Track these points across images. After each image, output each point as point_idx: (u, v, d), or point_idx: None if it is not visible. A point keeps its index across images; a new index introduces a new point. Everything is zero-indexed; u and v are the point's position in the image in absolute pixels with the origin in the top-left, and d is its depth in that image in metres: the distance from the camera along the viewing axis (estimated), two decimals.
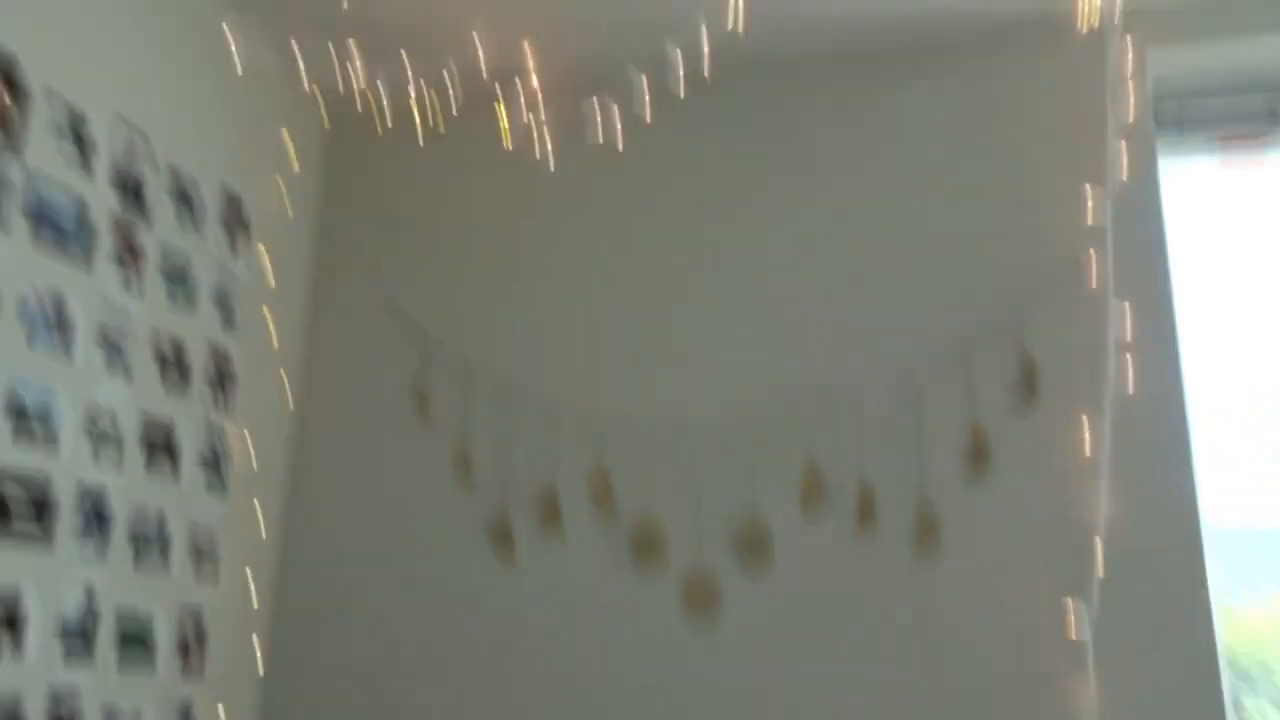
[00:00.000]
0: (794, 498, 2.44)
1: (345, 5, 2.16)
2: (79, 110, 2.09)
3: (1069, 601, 2.21)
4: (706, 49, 1.88)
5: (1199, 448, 2.28)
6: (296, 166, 2.79)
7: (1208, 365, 2.42)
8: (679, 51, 1.90)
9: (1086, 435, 2.29)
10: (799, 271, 2.58)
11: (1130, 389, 2.29)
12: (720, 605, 2.42)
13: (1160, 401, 2.29)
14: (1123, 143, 2.39)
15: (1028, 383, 2.38)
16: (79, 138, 2.09)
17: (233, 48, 2.30)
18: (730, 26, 1.91)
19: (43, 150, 2.01)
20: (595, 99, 2.49)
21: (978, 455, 2.37)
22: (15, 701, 1.87)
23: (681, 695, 2.39)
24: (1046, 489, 2.31)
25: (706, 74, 2.00)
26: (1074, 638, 2.19)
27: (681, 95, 2.10)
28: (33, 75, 1.99)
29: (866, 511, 2.39)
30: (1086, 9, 2.31)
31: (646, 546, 2.49)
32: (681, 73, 1.91)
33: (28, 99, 1.97)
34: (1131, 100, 2.41)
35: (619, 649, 2.45)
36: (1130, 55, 2.43)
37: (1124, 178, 2.39)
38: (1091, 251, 2.38)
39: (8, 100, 1.92)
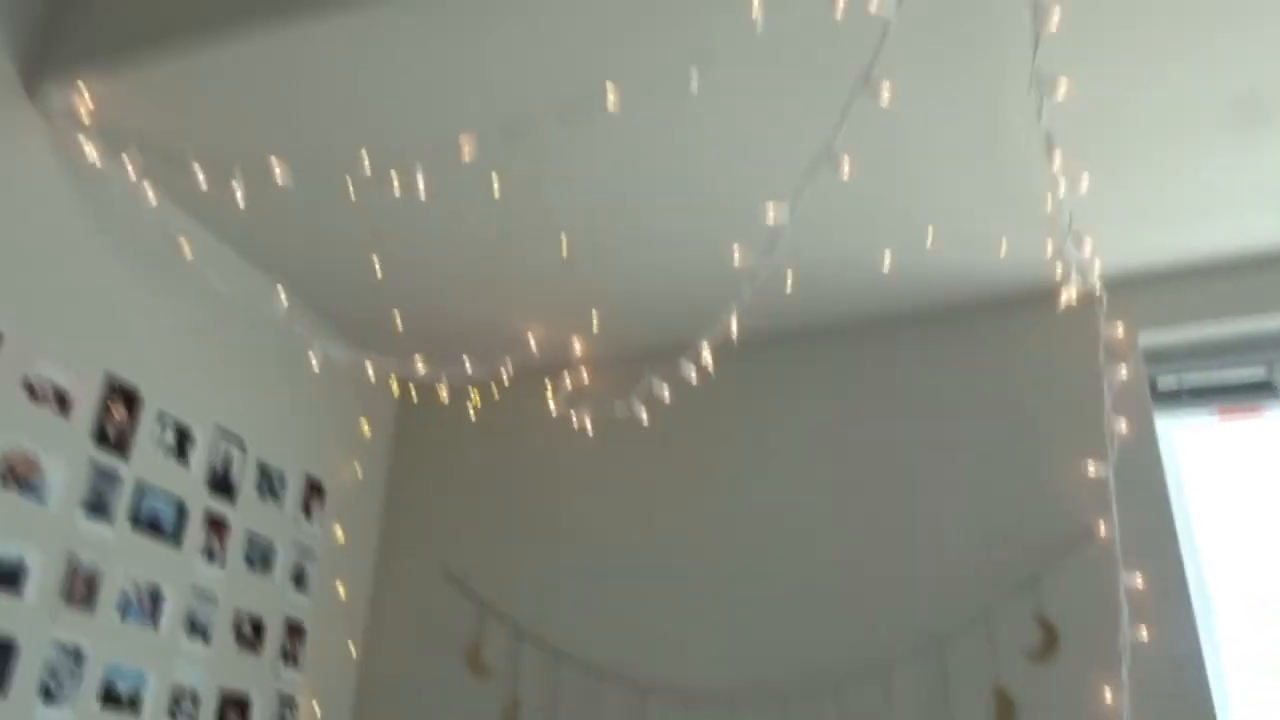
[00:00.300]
0: None
1: (400, 326, 2.53)
2: (185, 426, 2.48)
3: None
4: (735, 327, 2.15)
5: (1218, 692, 2.31)
6: (368, 432, 3.13)
7: (1224, 608, 2.48)
8: (702, 340, 2.19)
9: (1107, 690, 2.35)
10: (827, 539, 2.74)
11: (1146, 639, 2.36)
12: None
13: (1176, 650, 2.34)
14: (1121, 417, 2.54)
15: (1048, 642, 2.46)
16: (182, 449, 2.46)
17: (313, 359, 2.68)
18: (731, 335, 2.19)
19: (150, 461, 2.37)
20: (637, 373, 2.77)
21: (1003, 715, 2.44)
22: None
23: None
24: None
25: (711, 366, 2.27)
26: None
27: (694, 381, 2.37)
28: (149, 401, 2.39)
29: None
30: (1067, 294, 2.54)
31: None
32: (695, 364, 2.20)
33: (141, 418, 2.35)
34: (1124, 371, 2.59)
35: None
36: (1121, 331, 2.63)
37: (1125, 440, 2.53)
38: (1101, 513, 2.50)
39: (124, 422, 2.29)
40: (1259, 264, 2.62)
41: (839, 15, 1.69)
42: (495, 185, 2.09)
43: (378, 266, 2.45)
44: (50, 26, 2.22)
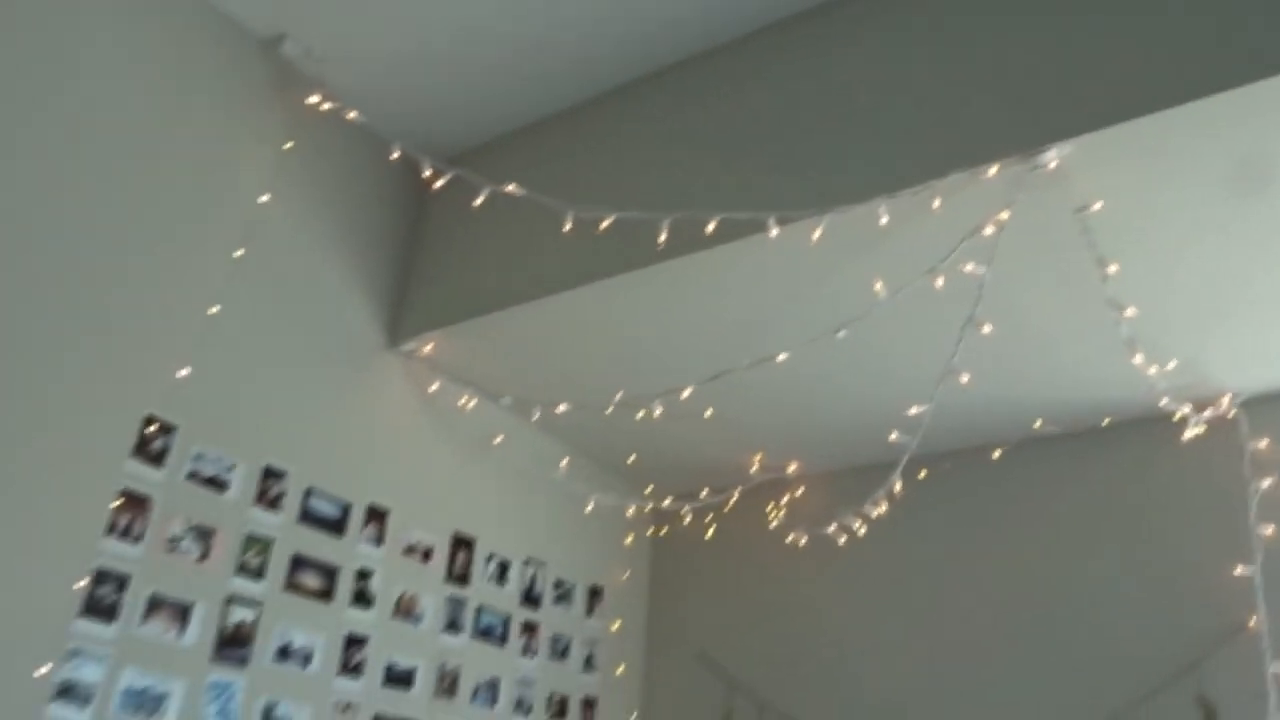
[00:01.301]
0: None
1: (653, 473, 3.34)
2: (505, 559, 3.44)
3: None
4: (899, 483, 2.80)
5: None
6: (632, 546, 4.01)
7: None
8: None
9: None
10: (1014, 633, 3.26)
11: None
12: None
13: None
14: (1266, 522, 2.91)
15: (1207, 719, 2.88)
16: (503, 576, 3.41)
17: (589, 505, 3.58)
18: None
19: (483, 588, 3.33)
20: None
21: None
22: None
23: None
24: None
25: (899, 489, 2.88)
26: None
27: (890, 503, 3.01)
28: (481, 545, 3.36)
29: None
30: (1193, 432, 2.94)
31: None
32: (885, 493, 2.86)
33: (475, 559, 3.32)
34: (1267, 482, 2.95)
35: None
36: (1264, 444, 2.99)
37: (1271, 541, 2.90)
38: (1251, 608, 2.89)
39: (465, 563, 3.27)
40: None
41: (939, 284, 2.33)
42: (708, 413, 2.92)
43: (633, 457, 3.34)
44: (403, 300, 3.25)
